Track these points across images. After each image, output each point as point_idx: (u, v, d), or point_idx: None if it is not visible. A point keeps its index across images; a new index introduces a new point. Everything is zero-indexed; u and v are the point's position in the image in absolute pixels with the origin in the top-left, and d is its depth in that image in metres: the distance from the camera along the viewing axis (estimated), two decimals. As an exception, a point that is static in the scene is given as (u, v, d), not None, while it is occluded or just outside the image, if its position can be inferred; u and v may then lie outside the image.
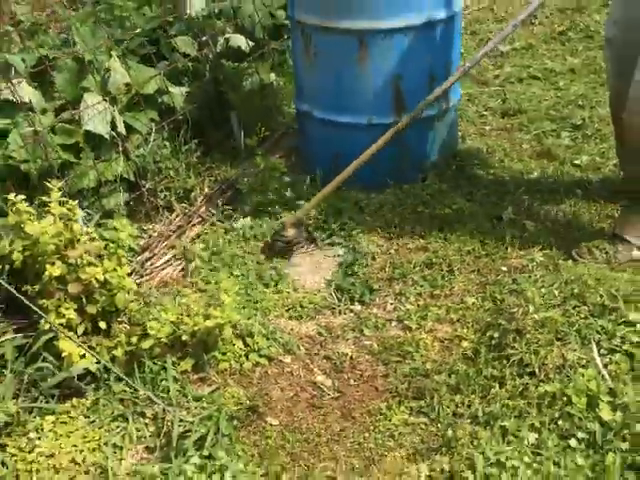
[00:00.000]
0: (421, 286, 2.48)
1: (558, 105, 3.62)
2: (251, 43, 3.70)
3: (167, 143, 3.07)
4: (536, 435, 1.81)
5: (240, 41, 3.65)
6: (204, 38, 3.47)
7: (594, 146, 3.20)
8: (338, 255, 2.72)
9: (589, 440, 1.78)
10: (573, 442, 1.78)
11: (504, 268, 2.48)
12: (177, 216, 2.95)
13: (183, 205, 3.02)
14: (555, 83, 3.91)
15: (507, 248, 2.59)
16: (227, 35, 3.65)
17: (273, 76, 3.78)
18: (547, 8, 5.10)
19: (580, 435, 1.79)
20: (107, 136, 2.80)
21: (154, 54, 3.19)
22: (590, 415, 1.83)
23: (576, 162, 3.09)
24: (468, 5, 5.02)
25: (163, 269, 2.70)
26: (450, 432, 1.84)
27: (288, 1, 3.10)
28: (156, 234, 2.87)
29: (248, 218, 2.90)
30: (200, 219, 2.96)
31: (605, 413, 1.82)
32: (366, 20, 2.77)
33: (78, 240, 2.23)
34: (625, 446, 1.74)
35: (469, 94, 3.81)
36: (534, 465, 1.72)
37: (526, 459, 1.74)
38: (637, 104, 2.30)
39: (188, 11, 3.56)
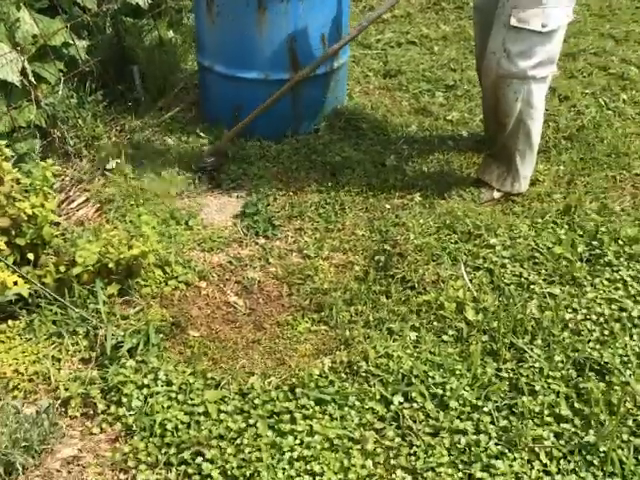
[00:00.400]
0: (317, 222, 2.83)
1: (433, 68, 4.05)
2: (149, 0, 3.87)
3: (74, 94, 3.24)
4: (416, 333, 2.22)
5: (138, -3, 3.82)
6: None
7: (463, 104, 3.65)
8: (242, 197, 3.02)
9: (457, 335, 2.21)
10: (445, 337, 2.20)
11: (388, 206, 2.88)
12: (88, 162, 3.14)
13: (92, 152, 3.20)
14: (430, 48, 4.34)
15: (390, 190, 2.98)
16: (125, -8, 3.80)
17: (171, 33, 3.99)
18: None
19: (450, 332, 2.22)
20: (19, 84, 2.93)
21: (54, 7, 3.32)
22: (458, 317, 2.26)
23: (448, 118, 3.53)
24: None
25: (78, 210, 2.90)
26: (347, 333, 2.21)
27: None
28: (68, 178, 3.05)
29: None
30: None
31: (470, 315, 2.26)
32: (267, -18, 3.05)
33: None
34: (485, 338, 2.18)
35: (354, 56, 4.17)
36: (415, 354, 2.12)
37: (408, 351, 2.14)
38: (488, 70, 2.72)
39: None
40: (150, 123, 3.42)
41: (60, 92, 3.13)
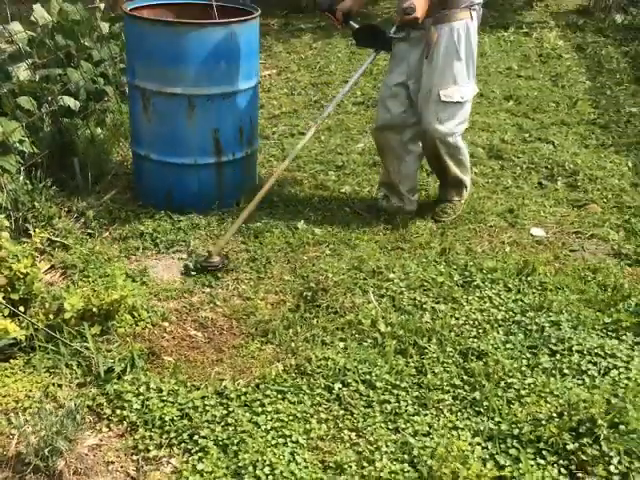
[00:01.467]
0: (250, 273, 3.50)
1: (323, 152, 4.91)
2: (78, 104, 4.54)
3: (28, 181, 3.80)
4: (344, 343, 2.91)
5: (70, 101, 4.48)
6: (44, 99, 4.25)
7: (352, 180, 4.50)
8: (182, 258, 3.65)
9: (374, 342, 2.92)
10: (365, 344, 2.91)
11: (305, 257, 3.60)
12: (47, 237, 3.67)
13: (48, 229, 3.74)
14: (318, 137, 5.21)
15: (305, 246, 3.72)
16: (59, 96, 4.44)
17: (99, 130, 4.65)
18: (302, 82, 6.53)
19: (369, 340, 2.93)
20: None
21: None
22: (373, 329, 2.99)
23: (342, 191, 4.36)
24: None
25: (45, 274, 3.42)
26: (292, 345, 2.88)
27: (128, 69, 4.02)
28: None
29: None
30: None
31: (382, 327, 2.99)
32: (193, 87, 3.79)
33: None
34: (395, 342, 2.90)
35: (256, 146, 4.96)
36: (345, 356, 2.81)
37: (340, 355, 2.83)
38: (428, 135, 3.73)
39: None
40: (93, 204, 4.01)
41: (20, 180, 3.69)
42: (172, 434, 2.45)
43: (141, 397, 2.59)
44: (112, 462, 2.36)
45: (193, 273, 3.47)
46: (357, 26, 3.85)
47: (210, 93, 3.82)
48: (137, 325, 3.06)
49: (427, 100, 3.66)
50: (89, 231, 3.78)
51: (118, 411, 2.55)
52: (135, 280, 3.40)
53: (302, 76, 6.74)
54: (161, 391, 2.62)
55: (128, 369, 2.74)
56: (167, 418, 2.50)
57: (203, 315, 3.17)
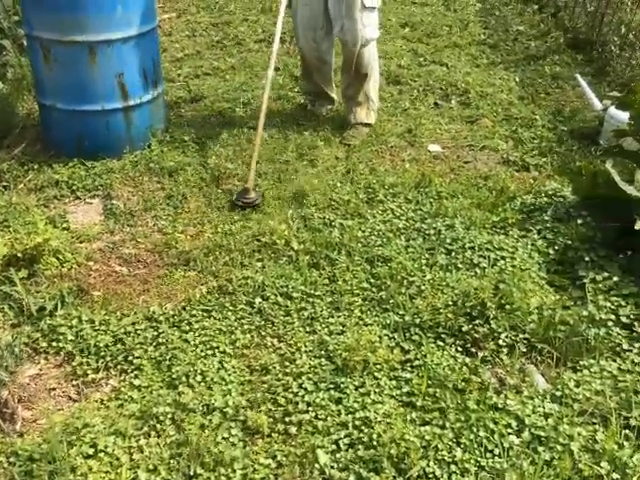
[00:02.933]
0: (168, 210, 3.66)
1: (229, 91, 5.03)
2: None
3: None
4: (261, 263, 3.14)
5: (-33, 57, 4.44)
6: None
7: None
8: (99, 203, 3.77)
9: (289, 259, 3.16)
10: (281, 261, 3.15)
11: (219, 190, 3.79)
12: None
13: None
14: (223, 77, 5.33)
15: (218, 180, 3.89)
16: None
17: (0, 84, 4.63)
18: (203, 24, 6.56)
19: (284, 258, 3.17)
20: None
21: None
22: (287, 248, 3.22)
23: (249, 125, 4.52)
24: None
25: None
26: (213, 268, 3.09)
27: (24, 20, 4.02)
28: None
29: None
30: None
31: (295, 245, 3.22)
32: (93, 34, 3.84)
33: None
34: (308, 257, 3.15)
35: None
36: (263, 274, 3.05)
37: (258, 273, 3.06)
38: (353, 42, 4.04)
39: None
40: (4, 158, 4.05)
41: None
42: (107, 358, 2.64)
43: (74, 329, 2.76)
44: (53, 388, 2.54)
45: (108, 216, 3.60)
46: None
47: (110, 38, 3.87)
48: (63, 266, 3.20)
49: (352, 8, 3.98)
50: (4, 184, 3.84)
51: (54, 343, 2.71)
52: (56, 226, 3.51)
53: (202, 17, 6.77)
54: (93, 322, 2.80)
55: (59, 306, 2.90)
56: (101, 345, 2.68)
57: (126, 252, 3.34)
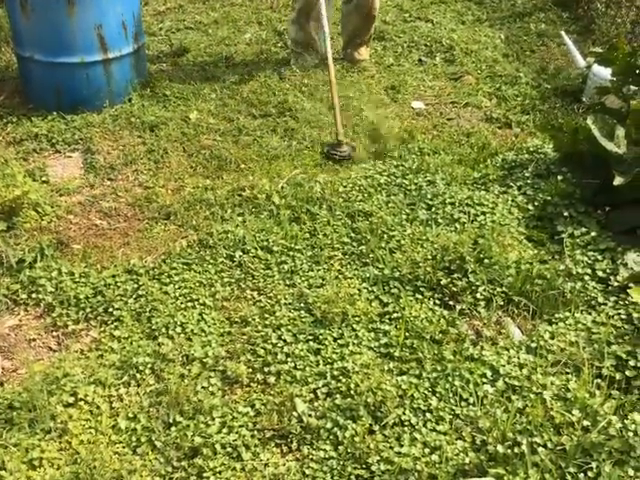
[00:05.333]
0: (149, 164, 3.63)
1: (212, 45, 4.97)
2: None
3: None
4: (241, 217, 3.14)
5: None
6: None
7: (242, 69, 4.61)
8: (79, 157, 3.73)
9: (270, 213, 3.15)
10: (262, 216, 3.14)
11: (201, 145, 3.76)
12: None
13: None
14: (205, 31, 5.25)
15: (200, 135, 3.86)
16: None
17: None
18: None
19: (265, 212, 3.17)
20: None
21: None
22: (269, 203, 3.22)
23: (231, 80, 4.47)
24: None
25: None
26: (194, 222, 3.09)
27: (0, -30, 3.93)
28: None
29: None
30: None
31: (276, 200, 3.22)
32: (70, -17, 3.77)
33: None
34: (289, 212, 3.15)
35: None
36: (244, 227, 3.05)
37: (239, 227, 3.06)
38: None
39: None
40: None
41: None
42: (88, 310, 2.65)
43: (54, 281, 2.76)
44: (34, 339, 2.55)
45: (89, 169, 3.57)
46: None
47: (88, -12, 3.81)
48: (42, 219, 3.18)
49: None
50: (-18, 136, 3.80)
51: (34, 295, 2.71)
52: (35, 179, 3.48)
53: (185, -30, 6.62)
54: (73, 274, 2.80)
55: (39, 258, 2.89)
56: (81, 296, 2.69)
57: (106, 205, 3.32)
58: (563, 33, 4.81)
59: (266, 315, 2.61)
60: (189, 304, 2.66)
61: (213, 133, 3.88)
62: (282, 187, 3.32)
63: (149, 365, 2.38)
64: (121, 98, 4.13)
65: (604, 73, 3.76)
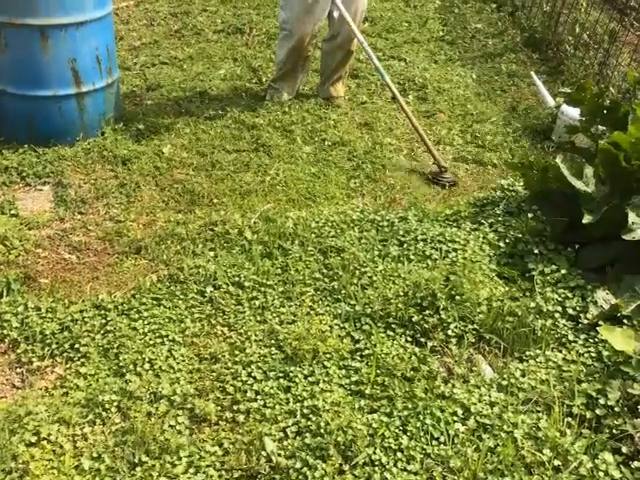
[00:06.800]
0: (120, 198, 3.60)
1: (186, 80, 4.98)
2: None
3: None
4: (213, 252, 3.12)
5: None
6: None
7: (217, 104, 4.63)
8: (50, 190, 3.69)
9: (242, 249, 3.14)
10: (234, 251, 3.12)
11: (173, 179, 3.75)
12: None
13: None
14: (180, 66, 5.27)
15: (172, 169, 3.85)
16: None
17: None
18: (161, 13, 6.48)
19: (237, 248, 3.15)
20: None
21: None
22: (241, 238, 3.20)
23: (206, 115, 4.48)
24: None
25: None
26: (164, 257, 3.06)
27: (-27, 2, 3.92)
28: None
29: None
30: None
31: (248, 235, 3.20)
32: (45, 18, 3.76)
33: None
34: (261, 247, 3.13)
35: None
36: (215, 263, 3.02)
37: (210, 262, 3.03)
38: (349, 32, 4.31)
39: None
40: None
41: None
42: (53, 346, 2.59)
43: (20, 316, 2.71)
44: (-3, 376, 2.49)
45: (59, 203, 3.53)
46: None
47: (63, 23, 3.80)
48: (10, 254, 3.13)
49: (356, 15, 4.39)
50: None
51: (-2, 330, 2.66)
52: (4, 212, 3.44)
53: (161, 7, 6.66)
54: (39, 309, 2.75)
55: (5, 293, 2.84)
56: (47, 332, 2.63)
57: (76, 239, 3.28)
58: (533, 73, 4.91)
59: (236, 352, 2.58)
60: (158, 340, 2.62)
61: (186, 167, 3.88)
62: (254, 222, 3.30)
63: (115, 403, 2.33)
64: (94, 131, 4.11)
65: (573, 113, 3.83)
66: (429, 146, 3.78)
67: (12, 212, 3.46)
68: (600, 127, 3.48)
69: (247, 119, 4.35)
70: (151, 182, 3.74)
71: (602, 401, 2.30)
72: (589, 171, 3.20)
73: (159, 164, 3.88)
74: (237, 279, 2.93)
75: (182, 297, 2.85)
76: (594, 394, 2.33)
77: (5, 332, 2.65)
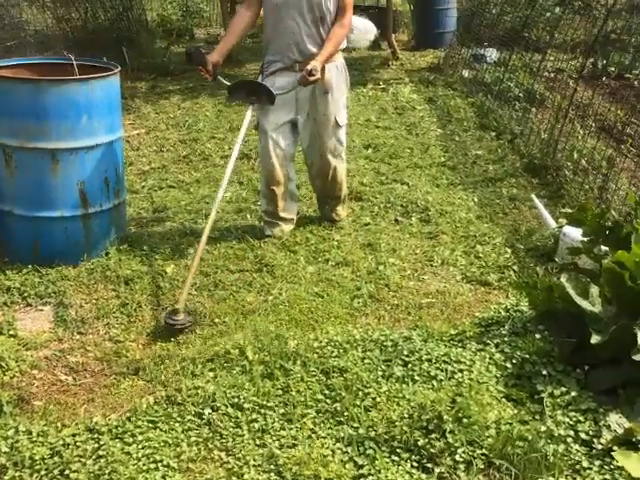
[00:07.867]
0: (121, 318, 3.57)
1: (192, 203, 5.08)
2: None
3: None
4: (213, 373, 3.04)
5: None
6: None
7: (221, 225, 4.68)
8: (51, 310, 3.67)
9: (243, 369, 3.06)
10: (234, 371, 3.05)
11: (176, 298, 3.72)
12: None
13: None
14: (187, 190, 5.38)
15: (175, 289, 3.83)
16: None
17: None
18: (171, 140, 6.70)
19: (238, 368, 3.07)
20: None
21: None
22: (242, 357, 3.13)
23: (212, 236, 4.52)
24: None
25: None
26: (163, 378, 2.98)
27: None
28: None
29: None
30: None
31: (250, 355, 3.14)
32: (56, 142, 3.88)
33: None
34: (262, 367, 3.06)
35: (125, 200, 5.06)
36: (215, 383, 2.94)
37: (210, 383, 2.95)
38: (330, 163, 4.46)
39: None
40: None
41: None
42: (42, 472, 2.48)
43: (10, 440, 2.61)
44: (-19, 504, 2.36)
45: (59, 323, 3.50)
46: (227, 83, 4.17)
47: (73, 147, 3.92)
48: (5, 375, 3.07)
49: (326, 125, 4.32)
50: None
51: (-14, 455, 2.55)
52: (2, 333, 3.40)
53: (171, 134, 6.91)
54: (30, 433, 2.65)
55: (-4, 415, 2.75)
56: (37, 457, 2.53)
57: (74, 360, 3.22)
58: (534, 196, 4.98)
59: (233, 478, 2.46)
60: (152, 465, 2.50)
61: (190, 287, 3.85)
62: (256, 342, 3.24)
63: (103, 535, 2.19)
64: (98, 252, 4.13)
65: (575, 234, 3.85)
66: (186, 282, 3.57)
67: (11, 332, 3.42)
68: (603, 247, 3.48)
69: (251, 239, 4.38)
70: (153, 302, 3.71)
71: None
72: (594, 291, 3.17)
73: (162, 284, 3.87)
74: (236, 400, 2.84)
75: (179, 419, 2.75)
76: (613, 526, 2.19)
77: (-7, 457, 2.54)
